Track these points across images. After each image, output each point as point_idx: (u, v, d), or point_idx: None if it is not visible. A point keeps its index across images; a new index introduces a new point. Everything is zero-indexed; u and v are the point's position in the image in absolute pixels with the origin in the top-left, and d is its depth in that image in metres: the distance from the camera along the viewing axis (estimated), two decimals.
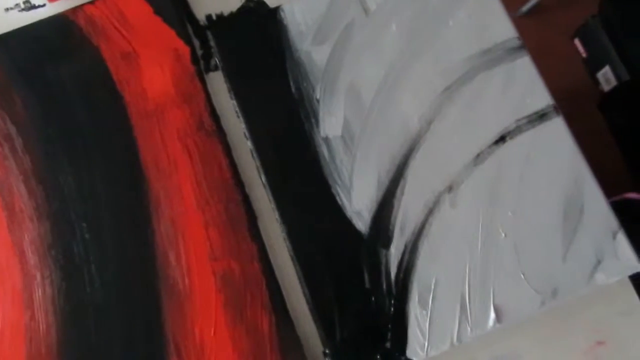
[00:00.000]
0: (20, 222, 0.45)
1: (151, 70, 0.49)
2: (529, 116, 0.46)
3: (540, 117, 0.46)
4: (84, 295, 0.44)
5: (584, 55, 1.16)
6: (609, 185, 0.46)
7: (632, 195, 0.77)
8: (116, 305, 0.44)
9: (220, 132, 0.47)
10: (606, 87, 1.10)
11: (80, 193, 0.46)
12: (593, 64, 1.13)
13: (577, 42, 1.17)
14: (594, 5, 1.08)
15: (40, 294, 0.44)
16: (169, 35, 0.50)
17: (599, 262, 0.42)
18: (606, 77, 1.10)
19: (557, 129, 0.45)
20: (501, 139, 0.45)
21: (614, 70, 1.07)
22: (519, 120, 0.46)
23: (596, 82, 1.12)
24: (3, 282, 0.44)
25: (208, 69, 0.50)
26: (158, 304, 0.43)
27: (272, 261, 0.44)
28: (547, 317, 0.43)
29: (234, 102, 0.48)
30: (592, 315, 0.43)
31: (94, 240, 0.45)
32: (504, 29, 0.48)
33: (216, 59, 0.50)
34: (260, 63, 0.49)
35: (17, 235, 0.45)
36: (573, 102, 0.45)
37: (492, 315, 0.42)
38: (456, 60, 0.48)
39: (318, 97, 0.48)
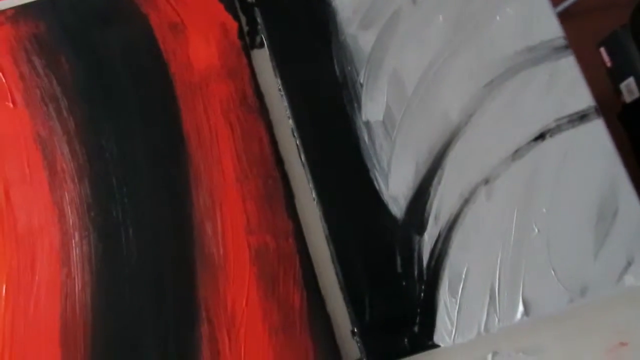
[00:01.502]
0: (61, 181, 0.46)
1: (198, 42, 0.49)
2: (569, 116, 0.46)
3: (581, 117, 0.46)
4: (120, 258, 0.45)
5: (608, 64, 1.15)
6: None
7: None
8: (151, 270, 0.44)
9: (262, 109, 0.48)
10: (628, 99, 1.10)
11: (122, 157, 0.47)
12: (617, 74, 1.12)
13: (602, 50, 1.17)
14: (622, 16, 1.08)
15: (77, 253, 0.45)
16: (217, 8, 0.50)
17: (629, 264, 0.43)
18: (629, 89, 1.10)
19: (597, 130, 0.46)
20: (540, 137, 0.46)
21: (638, 82, 1.07)
22: (559, 119, 0.46)
23: (618, 93, 1.12)
24: (42, 239, 0.45)
25: (254, 46, 0.50)
26: (192, 272, 0.44)
27: (307, 239, 0.45)
28: (573, 313, 0.44)
29: (278, 80, 0.48)
30: (617, 316, 0.44)
31: (132, 205, 0.46)
32: (551, 28, 0.48)
33: (262, 36, 0.50)
34: (306, 43, 0.49)
35: (58, 194, 0.46)
36: None
37: (521, 308, 0.42)
38: (500, 55, 0.48)
39: (362, 81, 0.48)
